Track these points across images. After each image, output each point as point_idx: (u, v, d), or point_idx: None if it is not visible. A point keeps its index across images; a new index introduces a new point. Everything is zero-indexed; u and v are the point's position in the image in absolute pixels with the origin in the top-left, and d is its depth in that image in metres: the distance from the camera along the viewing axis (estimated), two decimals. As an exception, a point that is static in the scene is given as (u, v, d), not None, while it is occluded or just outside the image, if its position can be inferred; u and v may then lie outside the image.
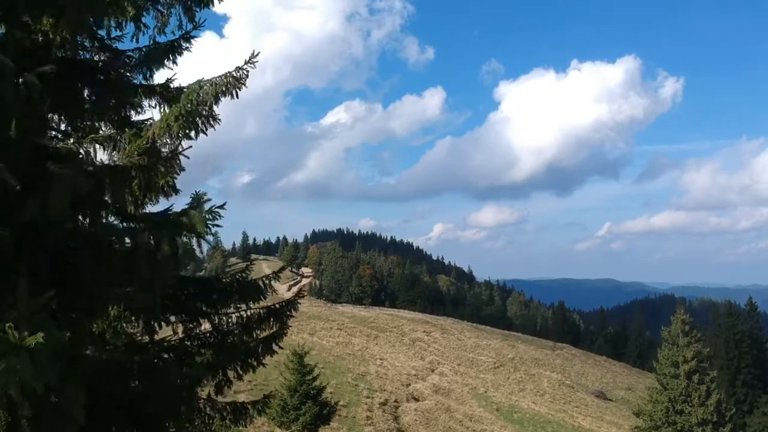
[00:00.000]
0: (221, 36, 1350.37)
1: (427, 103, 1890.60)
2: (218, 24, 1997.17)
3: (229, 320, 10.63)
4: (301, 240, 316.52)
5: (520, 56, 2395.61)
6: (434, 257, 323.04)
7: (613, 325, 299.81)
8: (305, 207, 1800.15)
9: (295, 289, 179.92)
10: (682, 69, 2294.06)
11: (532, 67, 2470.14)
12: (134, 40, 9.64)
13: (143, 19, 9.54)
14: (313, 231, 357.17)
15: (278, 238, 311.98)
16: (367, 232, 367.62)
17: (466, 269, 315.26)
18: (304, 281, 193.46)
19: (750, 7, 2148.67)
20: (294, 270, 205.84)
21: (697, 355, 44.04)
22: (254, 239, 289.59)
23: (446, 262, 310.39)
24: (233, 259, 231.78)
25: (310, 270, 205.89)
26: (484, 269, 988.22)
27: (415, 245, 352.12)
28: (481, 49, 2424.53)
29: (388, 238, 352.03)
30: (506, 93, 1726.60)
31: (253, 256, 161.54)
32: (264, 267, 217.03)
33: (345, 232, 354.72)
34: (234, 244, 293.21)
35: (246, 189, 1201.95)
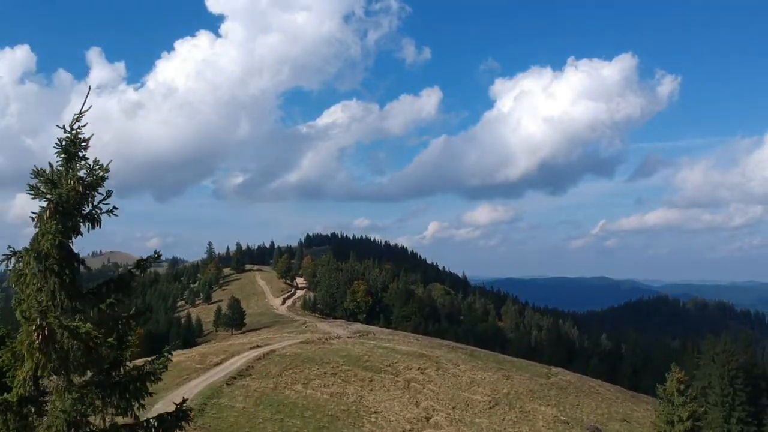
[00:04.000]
0: (217, 35, 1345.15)
1: (423, 102, 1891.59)
2: (215, 24, 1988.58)
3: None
4: (295, 244, 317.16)
5: (517, 54, 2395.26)
6: (429, 261, 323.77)
7: (607, 328, 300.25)
8: (299, 207, 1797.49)
9: (289, 302, 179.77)
10: (679, 67, 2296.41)
11: (529, 65, 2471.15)
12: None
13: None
14: (307, 235, 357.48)
15: (272, 242, 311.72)
16: (361, 236, 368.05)
17: (460, 274, 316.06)
18: (298, 293, 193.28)
19: (746, 5, 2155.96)
20: (288, 282, 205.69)
21: (693, 414, 43.94)
22: (248, 245, 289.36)
23: (441, 267, 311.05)
24: (227, 270, 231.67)
25: (305, 281, 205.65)
26: (479, 268, 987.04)
27: (409, 249, 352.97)
28: (478, 48, 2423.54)
29: (383, 243, 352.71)
30: (502, 91, 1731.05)
31: (248, 266, 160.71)
32: (258, 279, 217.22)
33: (339, 237, 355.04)
34: (228, 249, 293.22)
35: (239, 189, 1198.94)
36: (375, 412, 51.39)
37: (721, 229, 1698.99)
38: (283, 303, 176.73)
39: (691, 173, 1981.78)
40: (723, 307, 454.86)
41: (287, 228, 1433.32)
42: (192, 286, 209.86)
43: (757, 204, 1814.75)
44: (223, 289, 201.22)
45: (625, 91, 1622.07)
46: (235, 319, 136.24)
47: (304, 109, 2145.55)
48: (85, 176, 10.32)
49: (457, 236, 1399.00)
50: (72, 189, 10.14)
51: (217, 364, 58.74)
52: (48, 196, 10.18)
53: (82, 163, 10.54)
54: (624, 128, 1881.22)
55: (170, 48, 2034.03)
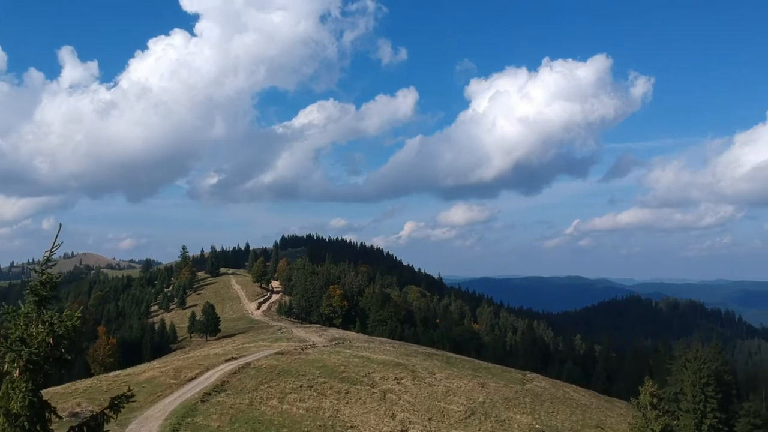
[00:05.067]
0: (192, 35, 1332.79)
1: (399, 103, 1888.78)
2: (189, 23, 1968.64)
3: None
4: (270, 246, 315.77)
5: (492, 55, 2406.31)
6: (405, 263, 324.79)
7: (582, 329, 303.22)
8: (274, 208, 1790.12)
9: (264, 306, 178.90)
10: (652, 68, 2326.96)
11: (504, 66, 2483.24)
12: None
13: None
14: (283, 237, 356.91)
15: (247, 244, 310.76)
16: (337, 238, 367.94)
17: (436, 275, 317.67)
18: (274, 297, 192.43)
19: (717, 6, 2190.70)
20: (263, 286, 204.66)
21: (666, 428, 44.51)
22: (222, 247, 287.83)
23: (416, 269, 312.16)
24: (202, 274, 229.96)
25: (280, 285, 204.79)
26: (454, 268, 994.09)
27: (385, 250, 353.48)
28: (454, 49, 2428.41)
29: (358, 244, 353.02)
30: (477, 91, 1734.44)
31: (222, 270, 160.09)
32: (233, 283, 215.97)
33: (315, 238, 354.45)
34: (203, 251, 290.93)
35: (214, 190, 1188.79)
36: (351, 427, 51.28)
37: (691, 229, 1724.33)
38: (259, 308, 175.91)
39: (663, 173, 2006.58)
40: (694, 306, 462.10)
41: (263, 228, 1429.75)
42: (166, 290, 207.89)
43: (726, 204, 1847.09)
44: (198, 294, 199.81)
45: (599, 91, 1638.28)
46: (209, 325, 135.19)
47: (279, 109, 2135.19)
48: (56, 324, 10.01)
49: (432, 236, 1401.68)
50: (43, 342, 9.87)
51: (192, 379, 58.16)
52: (19, 353, 9.84)
53: (52, 312, 10.23)
54: (598, 129, 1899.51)
55: (144, 47, 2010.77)
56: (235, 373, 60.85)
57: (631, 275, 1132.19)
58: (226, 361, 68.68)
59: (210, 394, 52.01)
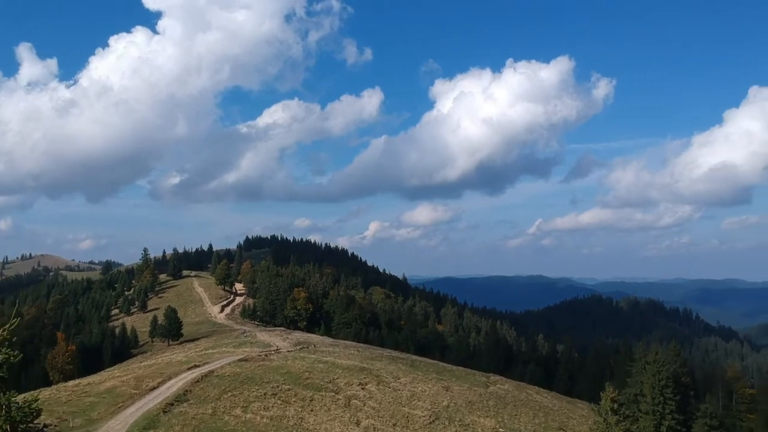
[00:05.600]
0: (154, 32, 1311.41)
1: (365, 103, 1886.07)
2: (151, 20, 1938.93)
3: None
4: (234, 247, 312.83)
5: (457, 56, 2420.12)
6: (369, 263, 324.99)
7: (544, 328, 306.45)
8: (238, 208, 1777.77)
9: (227, 309, 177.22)
10: (614, 70, 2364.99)
11: (469, 67, 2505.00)
12: None
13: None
14: (247, 238, 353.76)
15: (210, 245, 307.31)
16: (301, 239, 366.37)
17: (401, 275, 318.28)
18: (237, 300, 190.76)
19: (677, 10, 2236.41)
20: (227, 288, 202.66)
21: (626, 432, 45.28)
22: (185, 249, 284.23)
23: (381, 269, 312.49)
24: (164, 276, 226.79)
25: (244, 287, 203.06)
26: (419, 267, 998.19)
27: (350, 251, 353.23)
28: (419, 50, 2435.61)
29: (323, 245, 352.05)
30: (442, 92, 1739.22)
31: (185, 272, 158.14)
32: (196, 285, 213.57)
33: (279, 239, 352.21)
34: (164, 252, 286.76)
35: (176, 189, 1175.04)
36: (315, 436, 51.13)
37: (651, 228, 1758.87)
38: (222, 311, 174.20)
39: (623, 174, 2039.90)
40: (654, 305, 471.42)
41: (226, 228, 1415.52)
42: (127, 293, 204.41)
43: (684, 204, 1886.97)
44: (160, 297, 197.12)
45: (562, 93, 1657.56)
46: (172, 330, 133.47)
47: (243, 108, 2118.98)
48: (14, 411, 9.74)
49: (397, 236, 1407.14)
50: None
51: (154, 389, 57.38)
52: None
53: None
54: (560, 130, 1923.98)
55: (105, 44, 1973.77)
56: (197, 381, 60.20)
57: (592, 274, 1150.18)
58: (189, 369, 67.90)
59: (172, 405, 51.38)
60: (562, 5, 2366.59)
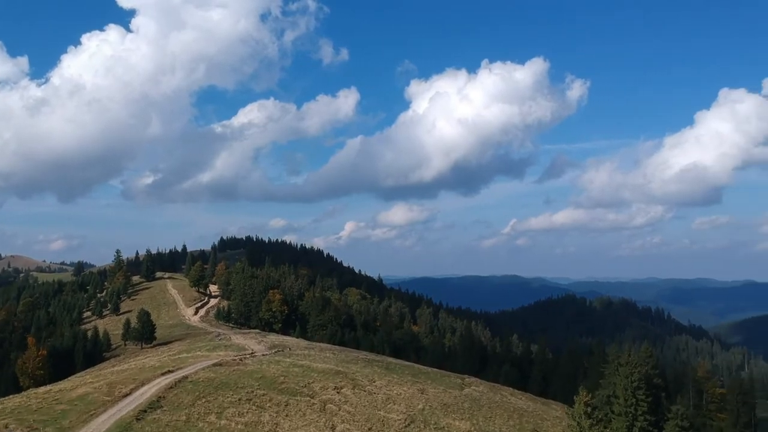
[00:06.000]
0: (128, 30, 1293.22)
1: (341, 103, 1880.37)
2: (125, 18, 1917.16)
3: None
4: (208, 248, 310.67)
5: (433, 56, 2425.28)
6: (345, 264, 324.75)
7: (519, 328, 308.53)
8: (212, 208, 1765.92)
9: (202, 311, 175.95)
10: (588, 72, 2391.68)
11: (444, 68, 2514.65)
12: None
13: None
14: (221, 239, 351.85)
15: (184, 246, 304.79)
16: (277, 239, 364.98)
17: (376, 276, 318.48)
18: (212, 302, 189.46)
19: (650, 9, 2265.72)
20: (201, 290, 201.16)
21: (599, 436, 45.75)
22: (158, 250, 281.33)
23: (357, 270, 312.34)
24: (137, 278, 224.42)
25: (218, 289, 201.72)
26: (395, 268, 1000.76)
27: (325, 251, 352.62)
28: (395, 50, 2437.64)
29: (298, 246, 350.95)
30: (417, 92, 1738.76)
31: (158, 274, 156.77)
32: (169, 287, 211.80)
33: (254, 240, 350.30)
34: (137, 253, 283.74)
35: (149, 190, 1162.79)
36: (291, 442, 50.97)
37: (624, 229, 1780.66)
38: (196, 313, 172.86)
39: (597, 174, 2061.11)
40: (626, 305, 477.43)
41: (201, 228, 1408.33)
42: (99, 295, 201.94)
43: (656, 204, 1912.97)
44: (133, 299, 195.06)
45: (536, 94, 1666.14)
46: (145, 333, 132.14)
47: (218, 108, 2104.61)
48: None
49: (373, 236, 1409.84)
50: None
51: (127, 395, 56.73)
52: None
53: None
54: (535, 131, 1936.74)
55: (77, 42, 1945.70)
56: (171, 387, 59.67)
57: (566, 274, 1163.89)
58: (163, 374, 67.28)
59: (146, 411, 50.88)
60: (538, 7, 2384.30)
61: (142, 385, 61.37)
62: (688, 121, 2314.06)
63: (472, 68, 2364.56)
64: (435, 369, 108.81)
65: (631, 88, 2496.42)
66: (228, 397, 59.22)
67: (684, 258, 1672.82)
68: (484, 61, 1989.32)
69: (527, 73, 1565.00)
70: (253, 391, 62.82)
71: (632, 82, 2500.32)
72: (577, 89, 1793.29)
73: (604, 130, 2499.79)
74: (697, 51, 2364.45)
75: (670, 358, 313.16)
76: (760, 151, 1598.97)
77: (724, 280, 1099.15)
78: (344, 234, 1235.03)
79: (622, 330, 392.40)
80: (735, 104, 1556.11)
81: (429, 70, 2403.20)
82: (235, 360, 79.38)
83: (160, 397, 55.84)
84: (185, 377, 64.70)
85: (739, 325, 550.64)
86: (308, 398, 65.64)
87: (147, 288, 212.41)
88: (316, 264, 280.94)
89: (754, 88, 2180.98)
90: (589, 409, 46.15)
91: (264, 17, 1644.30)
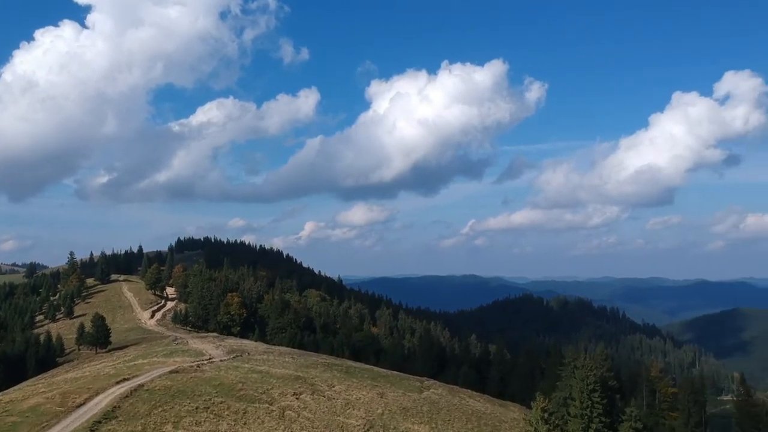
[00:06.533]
0: (83, 26, 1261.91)
1: (301, 103, 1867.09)
2: (80, 14, 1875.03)
3: None
4: (165, 249, 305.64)
5: (393, 57, 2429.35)
6: (305, 265, 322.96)
7: (477, 329, 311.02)
8: (169, 208, 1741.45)
9: (158, 315, 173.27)
10: (546, 74, 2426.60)
11: (405, 68, 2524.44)
12: None
13: None
14: (179, 240, 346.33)
15: (140, 247, 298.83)
16: (235, 240, 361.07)
17: (336, 276, 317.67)
18: (169, 305, 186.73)
19: (606, 9, 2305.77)
20: (157, 293, 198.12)
21: (555, 441, 46.43)
22: (113, 251, 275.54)
23: (317, 271, 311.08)
24: (91, 280, 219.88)
25: (175, 292, 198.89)
26: (354, 268, 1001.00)
27: (285, 252, 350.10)
28: (355, 50, 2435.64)
29: (257, 247, 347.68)
30: (378, 93, 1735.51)
31: (114, 276, 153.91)
32: (125, 290, 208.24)
33: (212, 241, 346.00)
34: (92, 254, 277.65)
35: (104, 189, 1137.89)
36: (249, 451, 50.57)
37: (580, 229, 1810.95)
38: (152, 316, 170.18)
39: (554, 175, 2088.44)
40: (582, 304, 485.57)
41: (158, 228, 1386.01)
42: (52, 298, 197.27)
43: (612, 205, 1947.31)
44: (87, 302, 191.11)
45: (495, 96, 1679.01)
46: (99, 337, 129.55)
47: (176, 106, 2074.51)
48: None
49: (333, 236, 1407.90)
50: None
51: (80, 405, 55.58)
52: None
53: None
54: (494, 132, 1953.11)
55: (30, 38, 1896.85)
56: (127, 396, 58.66)
57: (523, 273, 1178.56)
58: (118, 382, 66.10)
59: (100, 422, 49.94)
60: (498, 9, 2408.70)
61: (97, 394, 60.19)
62: (643, 124, 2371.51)
63: (433, 69, 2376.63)
64: (394, 372, 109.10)
65: (588, 90, 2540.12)
66: (185, 405, 58.49)
67: (638, 257, 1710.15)
68: (444, 62, 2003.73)
69: (486, 75, 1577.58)
70: (210, 399, 62.17)
71: (589, 85, 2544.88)
72: (535, 91, 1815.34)
73: (561, 132, 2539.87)
74: (652, 55, 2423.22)
75: (625, 356, 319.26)
76: (711, 153, 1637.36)
77: (676, 279, 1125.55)
78: (304, 234, 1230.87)
79: (578, 329, 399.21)
80: (687, 107, 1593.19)
81: (390, 70, 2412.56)
82: (192, 366, 78.39)
83: (115, 407, 54.84)
84: (141, 385, 63.66)
85: (690, 324, 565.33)
86: (267, 405, 65.23)
87: (102, 291, 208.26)
88: (275, 265, 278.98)
89: (706, 92, 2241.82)
90: (546, 415, 46.78)
91: (223, 15, 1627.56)
